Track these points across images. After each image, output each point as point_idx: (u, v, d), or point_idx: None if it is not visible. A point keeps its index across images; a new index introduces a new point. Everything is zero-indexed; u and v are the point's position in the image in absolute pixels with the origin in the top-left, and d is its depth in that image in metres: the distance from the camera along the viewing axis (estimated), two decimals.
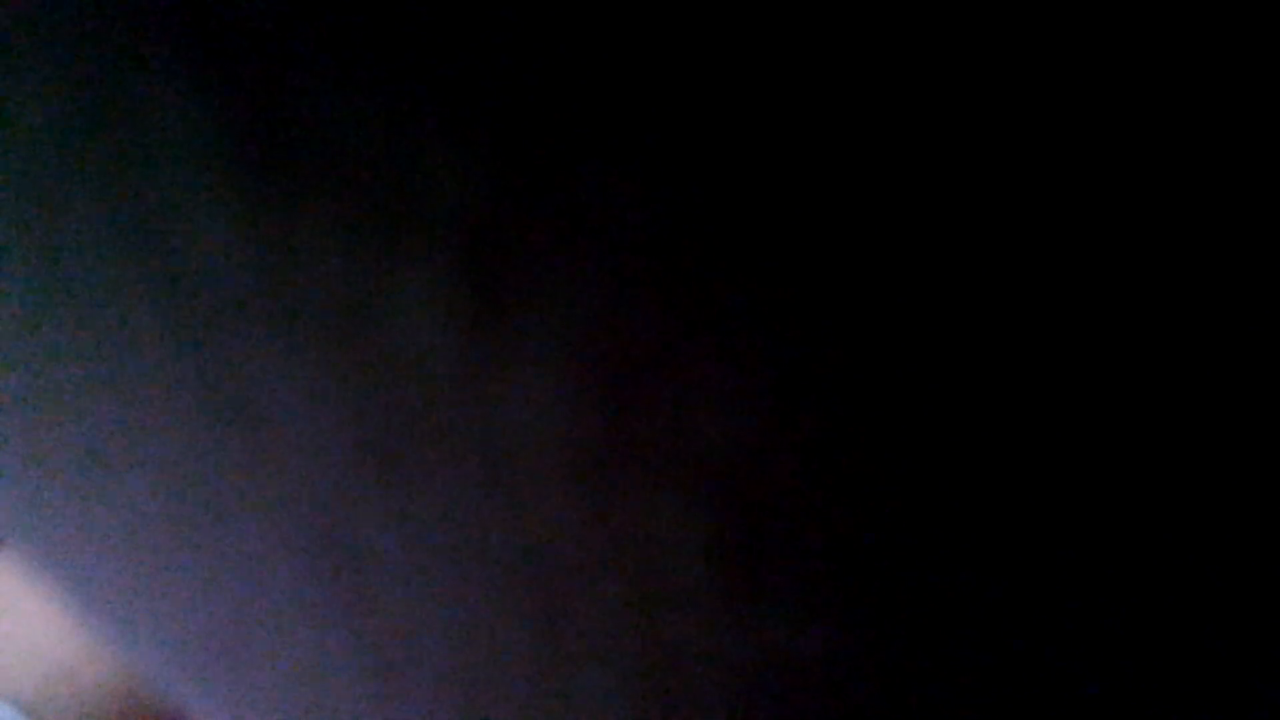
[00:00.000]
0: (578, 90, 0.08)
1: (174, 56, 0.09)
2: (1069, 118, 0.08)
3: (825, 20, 0.08)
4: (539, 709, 0.11)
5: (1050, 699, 0.10)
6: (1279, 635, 0.09)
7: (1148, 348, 0.09)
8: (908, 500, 0.09)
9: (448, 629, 0.11)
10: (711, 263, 0.09)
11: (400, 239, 0.09)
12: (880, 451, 0.09)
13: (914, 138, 0.08)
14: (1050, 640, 0.10)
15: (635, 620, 0.10)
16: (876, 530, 0.09)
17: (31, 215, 0.10)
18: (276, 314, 0.10)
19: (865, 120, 0.08)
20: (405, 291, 0.09)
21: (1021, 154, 0.08)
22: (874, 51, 0.08)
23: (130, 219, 0.10)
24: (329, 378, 0.10)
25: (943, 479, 0.09)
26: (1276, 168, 0.08)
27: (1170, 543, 0.09)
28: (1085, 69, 0.08)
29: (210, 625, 0.12)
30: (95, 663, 0.49)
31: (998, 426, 0.09)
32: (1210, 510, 0.09)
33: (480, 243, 0.09)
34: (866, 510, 0.09)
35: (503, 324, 0.09)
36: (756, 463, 0.09)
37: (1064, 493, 0.09)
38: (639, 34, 0.08)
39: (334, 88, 0.09)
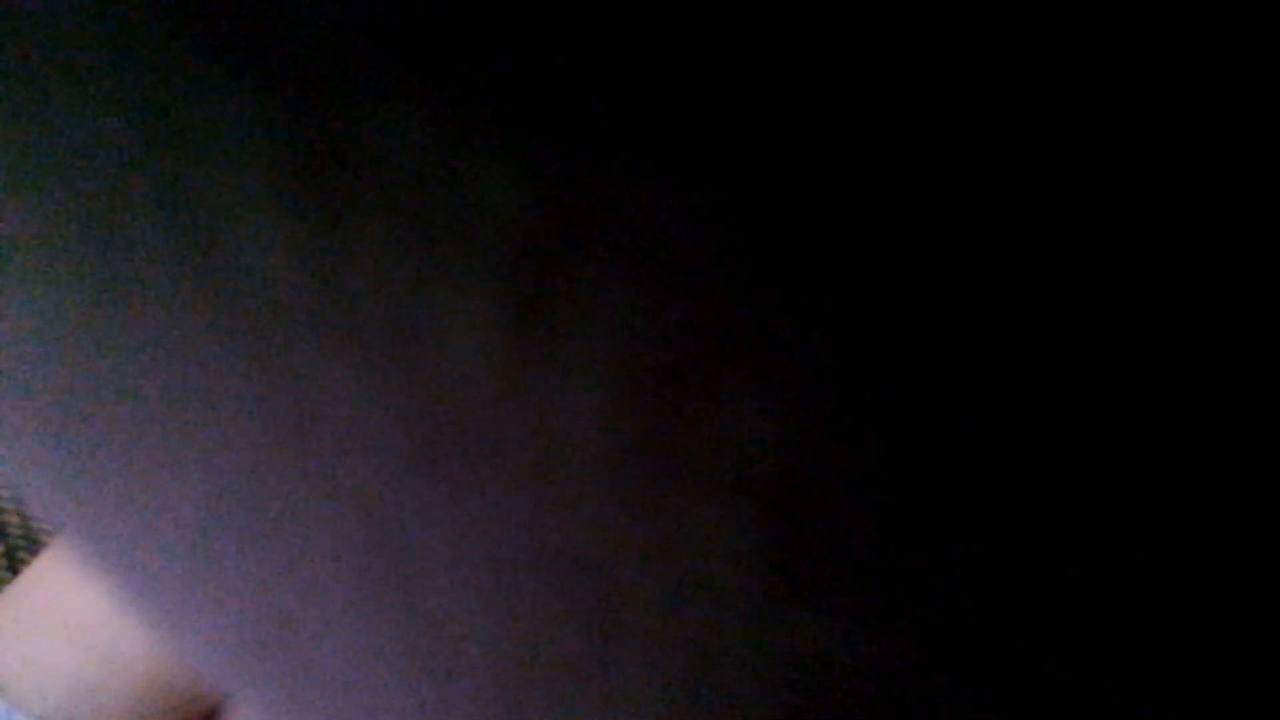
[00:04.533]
0: (622, 110, 0.09)
1: (232, 70, 0.09)
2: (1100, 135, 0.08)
3: (863, 51, 0.08)
4: (581, 708, 0.11)
5: (1096, 706, 0.10)
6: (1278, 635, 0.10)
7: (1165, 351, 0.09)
8: (949, 504, 0.09)
9: (493, 629, 0.11)
10: (751, 272, 0.09)
11: (450, 252, 0.10)
12: (920, 455, 0.09)
13: (960, 139, 0.08)
14: (1096, 649, 0.10)
15: (676, 622, 0.10)
16: (916, 534, 0.10)
17: (92, 224, 0.11)
18: (329, 321, 0.10)
19: (913, 132, 0.08)
20: (454, 301, 0.10)
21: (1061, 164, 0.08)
22: (914, 77, 0.08)
23: (188, 229, 0.10)
24: (380, 384, 0.10)
25: (985, 483, 0.09)
26: (1276, 168, 0.08)
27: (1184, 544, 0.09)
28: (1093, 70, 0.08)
29: (261, 622, 0.13)
30: (118, 681, 0.49)
31: (1043, 432, 0.09)
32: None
33: (526, 256, 0.09)
34: (906, 514, 0.10)
35: (548, 334, 0.10)
36: (796, 467, 0.10)
37: (1114, 501, 0.09)
38: (683, 56, 0.08)
39: (389, 104, 0.09)
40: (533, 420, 0.10)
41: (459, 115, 0.09)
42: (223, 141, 0.10)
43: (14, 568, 0.61)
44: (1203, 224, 0.09)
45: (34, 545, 0.61)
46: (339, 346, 0.10)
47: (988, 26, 0.08)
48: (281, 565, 0.12)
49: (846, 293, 0.09)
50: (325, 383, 0.10)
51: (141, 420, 0.12)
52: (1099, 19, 0.08)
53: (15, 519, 0.61)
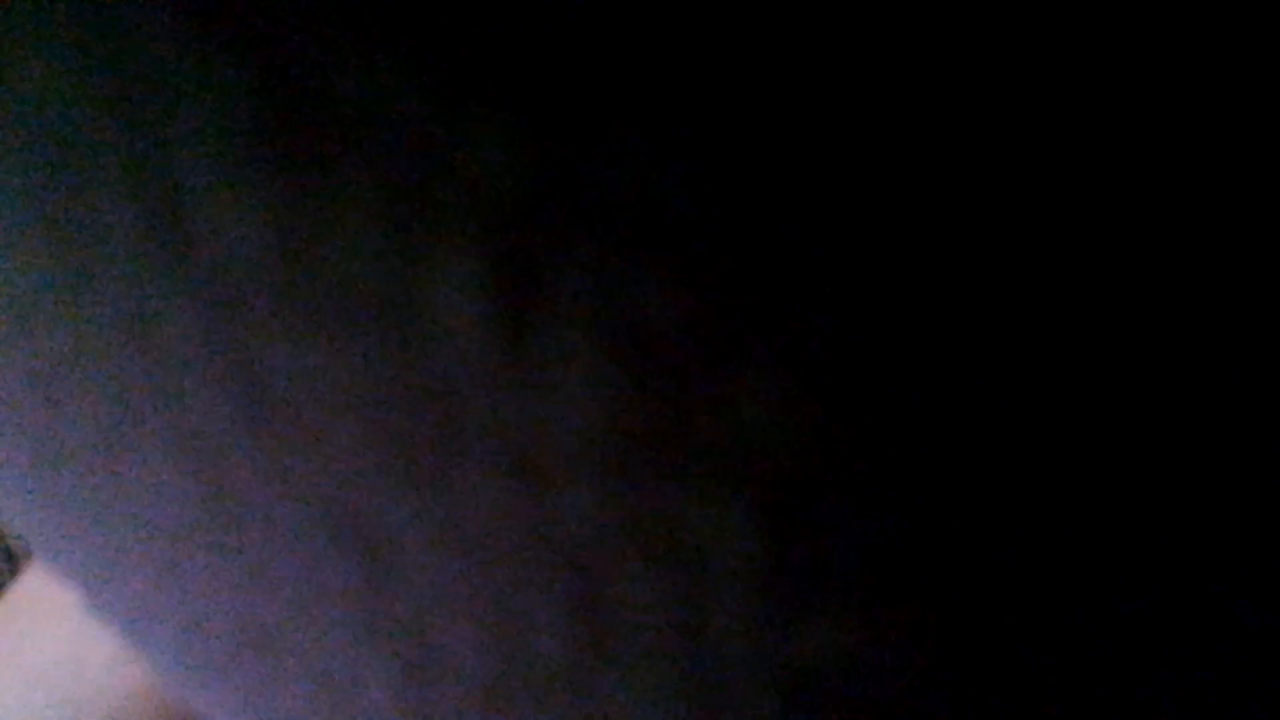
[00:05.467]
0: (614, 81, 0.09)
1: (203, 29, 0.09)
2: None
3: (852, 26, 0.08)
4: (574, 708, 0.11)
5: (1103, 701, 0.10)
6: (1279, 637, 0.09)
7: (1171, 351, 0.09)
8: (953, 502, 0.09)
9: (481, 627, 0.11)
10: (750, 256, 0.09)
11: (433, 225, 0.09)
12: (924, 452, 0.09)
13: (960, 127, 0.08)
14: (1101, 642, 0.10)
15: (674, 621, 0.10)
16: (919, 532, 0.09)
17: (58, 202, 0.10)
18: (305, 301, 0.10)
19: (922, 123, 0.08)
20: (438, 280, 0.09)
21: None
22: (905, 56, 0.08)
23: (155, 201, 0.10)
24: (358, 368, 0.10)
25: (988, 480, 0.09)
26: (1276, 168, 0.08)
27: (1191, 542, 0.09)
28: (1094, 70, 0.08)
29: (235, 621, 0.12)
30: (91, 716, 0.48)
31: (1049, 428, 0.09)
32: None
33: (515, 232, 0.09)
34: (909, 511, 0.09)
35: (538, 313, 0.09)
36: (798, 462, 0.09)
37: (1121, 496, 0.09)
38: (678, 26, 0.08)
39: (369, 66, 0.09)
40: (522, 408, 0.10)
41: (442, 80, 0.09)
42: (192, 104, 0.09)
43: None
44: (1203, 224, 0.09)
45: None
46: (314, 327, 0.10)
47: (991, 18, 0.08)
48: (251, 565, 0.11)
49: (851, 285, 0.09)
50: (300, 367, 0.10)
51: (103, 412, 0.11)
52: (1098, 19, 0.08)
53: None
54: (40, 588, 0.48)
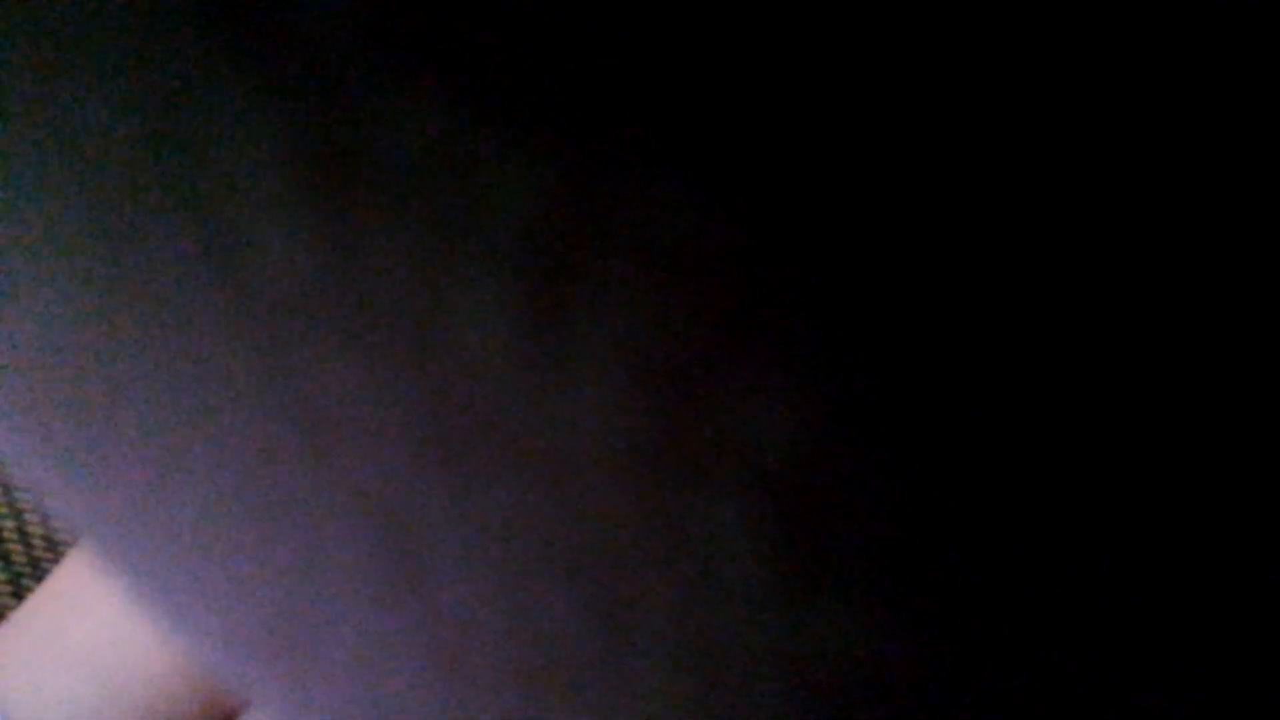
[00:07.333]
0: (636, 105, 0.09)
1: (244, 68, 0.09)
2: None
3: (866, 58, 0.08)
4: (596, 702, 0.11)
5: (1115, 701, 0.10)
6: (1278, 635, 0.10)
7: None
8: (965, 498, 0.09)
9: (508, 624, 0.11)
10: (765, 268, 0.09)
11: (462, 248, 0.10)
12: (935, 449, 0.09)
13: (978, 147, 0.09)
14: (1116, 643, 0.10)
15: (692, 617, 0.11)
16: (933, 529, 0.10)
17: (106, 224, 0.11)
18: (343, 318, 0.10)
19: (929, 128, 0.09)
20: (466, 297, 0.10)
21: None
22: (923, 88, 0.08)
23: (200, 226, 0.10)
24: (393, 380, 0.10)
25: (1000, 477, 0.09)
26: (1276, 168, 0.08)
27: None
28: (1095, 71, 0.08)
29: (276, 619, 0.13)
30: (120, 706, 0.49)
31: (1056, 424, 0.09)
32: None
33: (538, 251, 0.09)
34: (922, 509, 0.10)
35: (561, 329, 0.10)
36: (811, 463, 0.10)
37: (1127, 490, 0.09)
38: (697, 51, 0.09)
39: (400, 100, 0.09)
40: (545, 416, 0.10)
41: (470, 110, 0.09)
42: (235, 139, 0.10)
43: (18, 594, 0.61)
44: (1203, 224, 0.09)
45: (38, 572, 0.61)
46: (352, 342, 0.10)
47: (992, 26, 0.08)
48: (295, 563, 0.12)
49: (860, 288, 0.09)
50: (338, 379, 0.10)
51: (155, 419, 0.12)
52: (1098, 19, 0.08)
53: (19, 546, 0.61)
54: (81, 572, 0.48)
